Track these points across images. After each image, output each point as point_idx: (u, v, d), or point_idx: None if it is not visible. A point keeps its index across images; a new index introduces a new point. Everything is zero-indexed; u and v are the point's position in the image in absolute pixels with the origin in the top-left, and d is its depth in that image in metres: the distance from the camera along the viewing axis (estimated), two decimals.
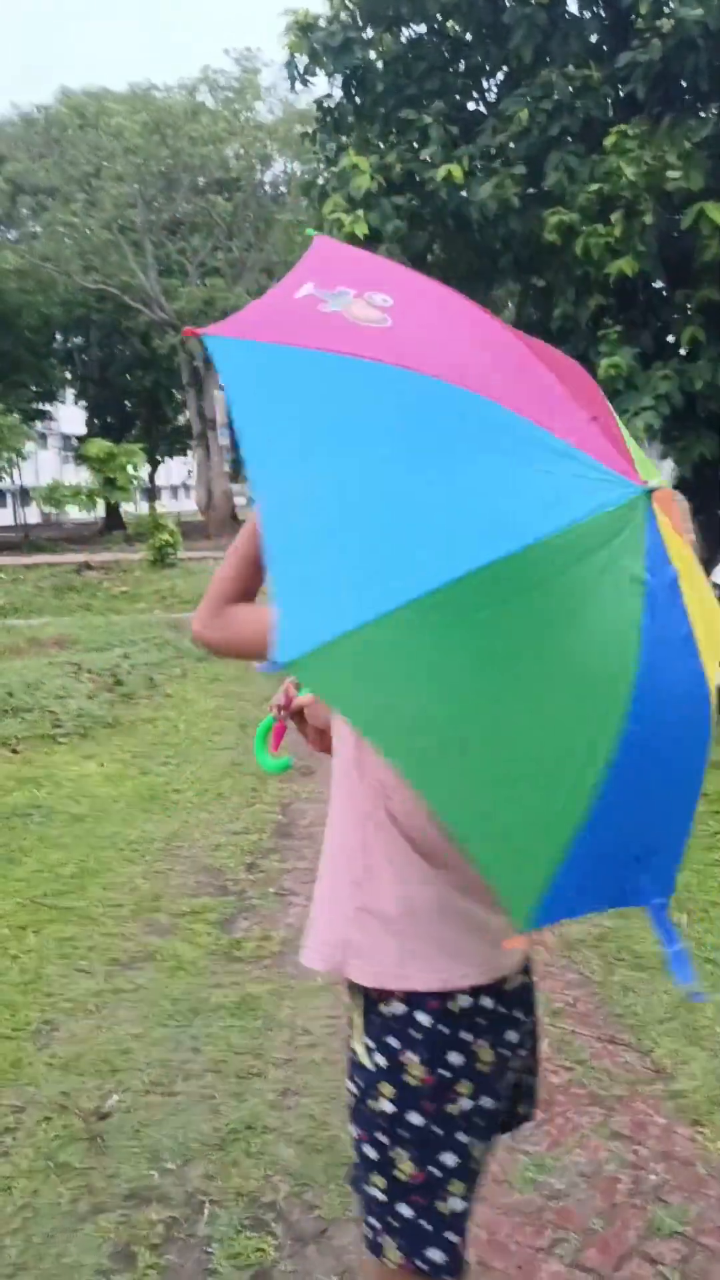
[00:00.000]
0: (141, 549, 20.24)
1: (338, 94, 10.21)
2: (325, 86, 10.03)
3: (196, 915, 4.33)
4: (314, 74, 9.89)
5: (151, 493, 42.98)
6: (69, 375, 39.74)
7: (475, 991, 1.51)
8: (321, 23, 9.58)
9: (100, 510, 34.29)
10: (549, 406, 1.30)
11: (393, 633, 1.10)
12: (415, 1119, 1.49)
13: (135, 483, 19.69)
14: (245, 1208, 2.57)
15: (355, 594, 1.12)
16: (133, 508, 36.18)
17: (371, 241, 9.54)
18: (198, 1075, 3.15)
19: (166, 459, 44.91)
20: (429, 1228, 1.51)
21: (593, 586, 1.19)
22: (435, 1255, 1.51)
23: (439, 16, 9.59)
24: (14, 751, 6.96)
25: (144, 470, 19.85)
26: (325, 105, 10.37)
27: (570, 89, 8.61)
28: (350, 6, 9.39)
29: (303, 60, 9.76)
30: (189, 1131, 2.87)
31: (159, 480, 47.46)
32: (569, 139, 8.80)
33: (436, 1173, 1.50)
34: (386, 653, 1.11)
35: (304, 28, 9.49)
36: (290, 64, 9.86)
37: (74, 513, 35.22)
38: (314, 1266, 2.38)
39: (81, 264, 30.37)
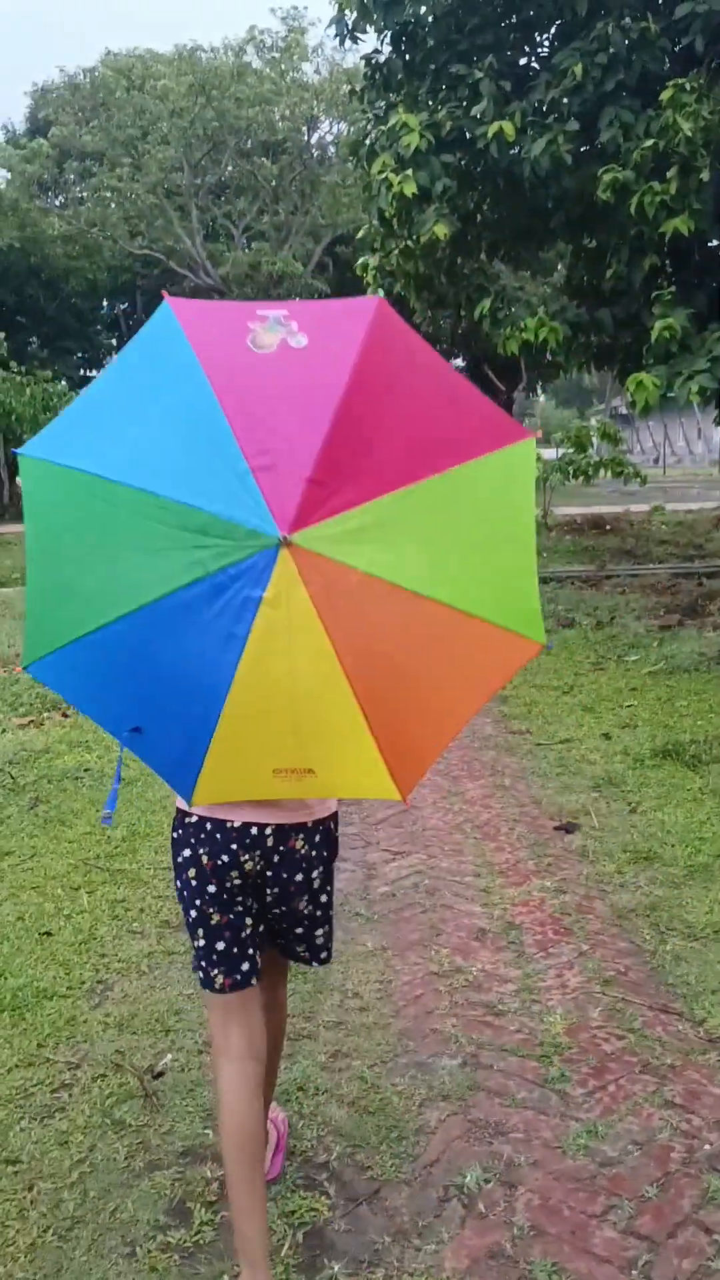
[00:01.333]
0: None
1: (387, 50, 10.06)
2: (374, 43, 9.82)
3: None
4: (364, 30, 9.74)
5: None
6: (115, 341, 39.82)
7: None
8: None
9: None
10: (262, 439, 1.83)
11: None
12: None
13: None
14: (298, 1167, 2.59)
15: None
16: None
17: (420, 200, 9.42)
18: None
19: None
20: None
21: (170, 544, 1.82)
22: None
23: None
24: (65, 715, 7.03)
25: None
26: (374, 62, 10.22)
27: (626, 42, 8.42)
28: None
29: (352, 16, 9.62)
30: None
31: None
32: (624, 94, 8.61)
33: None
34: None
35: None
36: (339, 19, 9.73)
37: None
38: (367, 1225, 2.40)
39: (127, 229, 30.33)
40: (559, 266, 21.06)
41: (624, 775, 5.47)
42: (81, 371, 37.52)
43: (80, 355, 36.70)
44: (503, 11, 9.82)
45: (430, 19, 9.57)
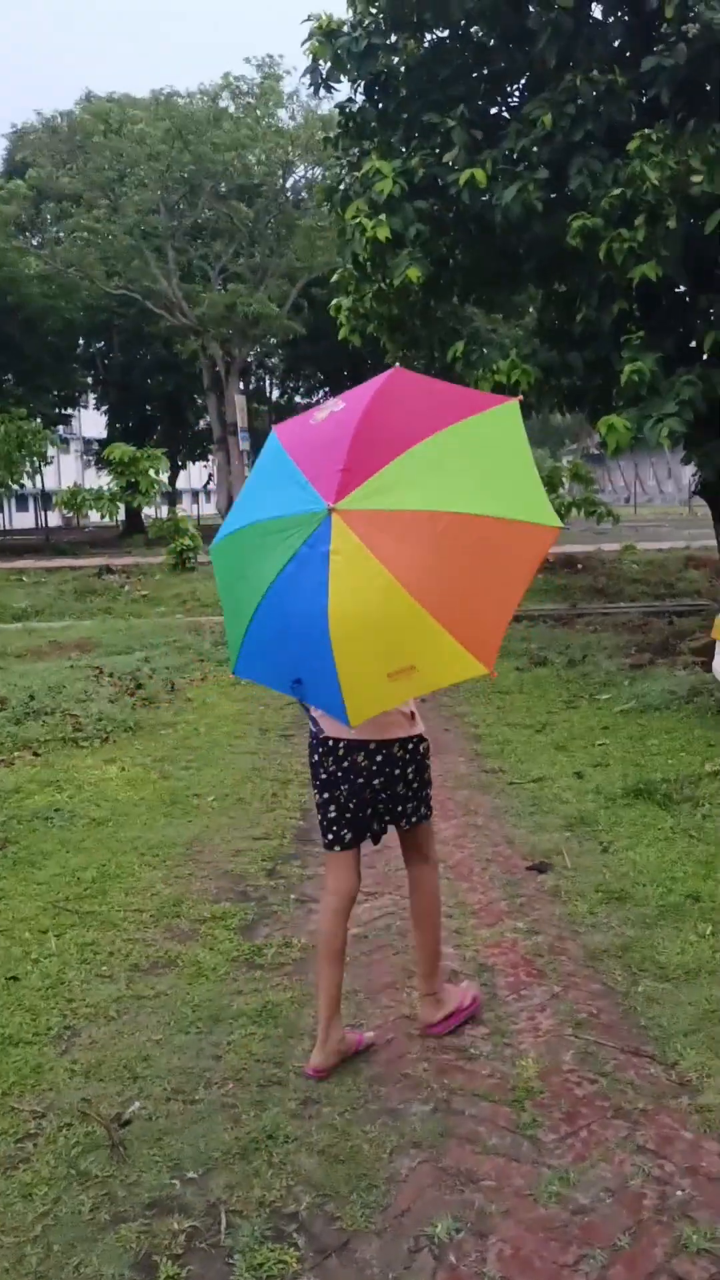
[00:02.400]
0: (162, 553, 20.29)
1: (360, 99, 10.21)
2: (347, 92, 9.96)
3: (217, 921, 4.31)
4: (337, 80, 9.90)
5: (172, 497, 43.11)
6: (90, 380, 39.90)
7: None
8: (345, 29, 9.58)
9: (121, 514, 34.41)
10: (316, 461, 2.74)
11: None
12: None
13: (156, 486, 19.70)
14: (267, 1218, 2.55)
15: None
16: (152, 511, 36.27)
17: (394, 245, 9.54)
18: (219, 1083, 3.13)
19: (187, 464, 45.05)
20: None
21: (271, 545, 2.75)
22: None
23: (463, 22, 9.58)
24: (35, 755, 6.98)
25: (164, 474, 19.90)
26: (348, 110, 10.37)
27: (594, 93, 8.60)
28: (374, 12, 9.38)
29: (326, 66, 9.77)
30: (210, 1140, 2.85)
31: (179, 485, 47.59)
32: (592, 143, 8.78)
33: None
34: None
35: (327, 33, 9.52)
36: (313, 69, 9.88)
37: (94, 517, 35.32)
38: (337, 1278, 2.36)
39: (104, 269, 30.46)
40: (530, 310, 21.40)
41: (596, 814, 5.48)
42: (57, 410, 37.55)
43: (56, 393, 36.71)
44: (474, 63, 10.03)
45: (403, 69, 9.75)
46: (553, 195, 9.19)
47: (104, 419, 41.42)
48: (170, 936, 4.19)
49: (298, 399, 42.35)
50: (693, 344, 9.50)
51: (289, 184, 32.32)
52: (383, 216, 9.38)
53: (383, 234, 9.37)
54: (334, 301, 11.49)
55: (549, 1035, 3.36)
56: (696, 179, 8.07)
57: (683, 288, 9.54)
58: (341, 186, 10.45)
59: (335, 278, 11.36)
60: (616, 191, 8.33)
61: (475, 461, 2.73)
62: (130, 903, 4.53)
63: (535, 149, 8.96)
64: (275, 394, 42.92)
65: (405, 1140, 2.84)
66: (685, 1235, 2.45)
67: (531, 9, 8.95)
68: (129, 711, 8.05)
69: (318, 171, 30.59)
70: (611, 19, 9.34)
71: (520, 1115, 2.94)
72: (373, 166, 9.32)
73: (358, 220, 9.56)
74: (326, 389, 40.85)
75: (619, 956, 3.90)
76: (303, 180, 32.44)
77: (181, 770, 6.66)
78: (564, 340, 10.83)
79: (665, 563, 18.54)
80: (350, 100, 10.42)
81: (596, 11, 9.24)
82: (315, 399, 42.09)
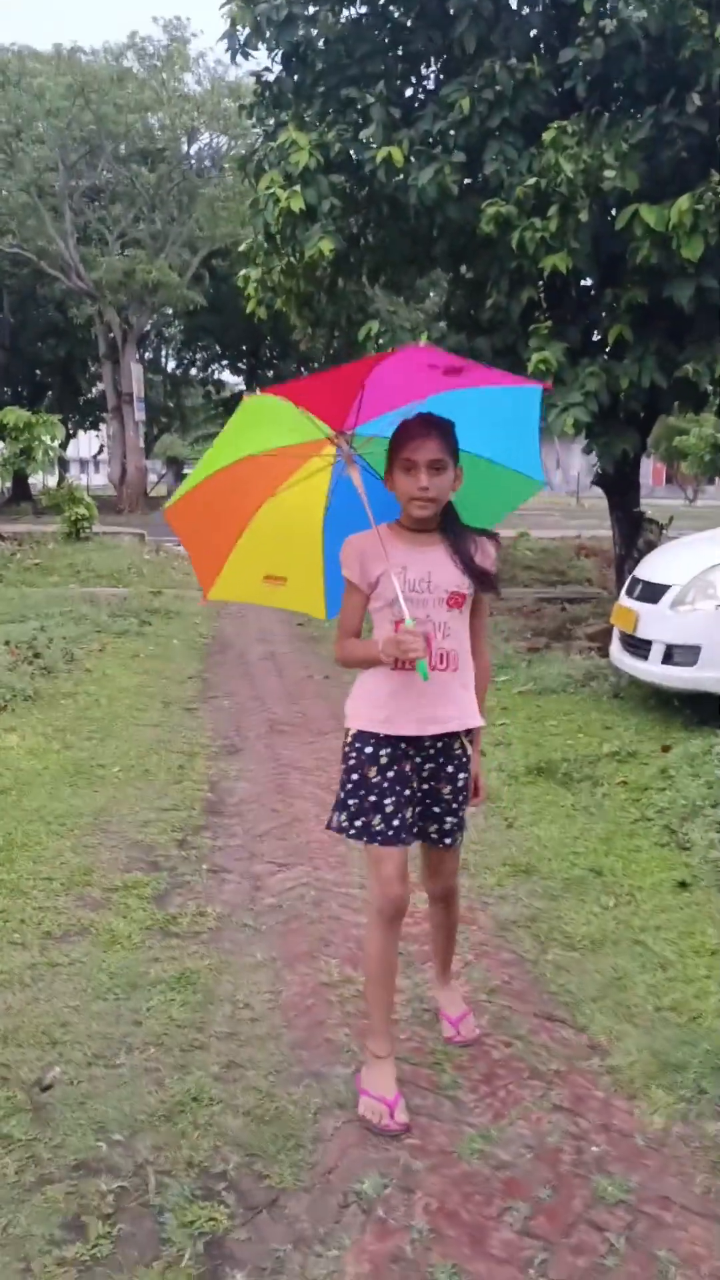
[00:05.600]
0: (53, 522, 19.84)
1: (278, 69, 10.11)
2: (264, 60, 9.92)
3: (129, 890, 4.29)
4: (255, 47, 9.77)
5: (63, 464, 42.14)
6: None
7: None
8: None
9: (8, 482, 33.47)
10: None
11: None
12: None
13: (50, 454, 19.27)
14: (195, 1178, 2.57)
15: None
16: (38, 480, 35.36)
17: (306, 217, 9.50)
18: (140, 1048, 3.13)
19: (78, 432, 44.08)
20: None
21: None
22: None
23: (382, 0, 9.54)
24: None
25: (58, 442, 19.48)
26: (264, 80, 10.26)
27: (511, 81, 8.65)
28: None
29: (244, 32, 9.64)
30: (134, 1103, 2.85)
31: (68, 454, 46.53)
32: (508, 131, 8.84)
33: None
34: None
35: (247, 1, 9.36)
36: (231, 35, 9.74)
37: None
38: (268, 1234, 2.40)
39: None
40: (431, 294, 21.50)
41: (500, 791, 5.61)
42: None
43: None
44: (391, 42, 10.02)
45: (322, 42, 9.68)
46: (467, 180, 9.26)
47: None
48: (82, 905, 4.15)
49: (194, 371, 41.78)
50: (597, 336, 9.69)
51: (193, 151, 31.79)
52: (297, 188, 9.32)
53: (296, 205, 9.30)
54: (242, 273, 11.36)
55: (464, 1001, 3.45)
56: (609, 174, 8.22)
57: (590, 280, 9.73)
58: (256, 156, 10.33)
59: (243, 248, 11.23)
60: (531, 181, 8.43)
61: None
62: (39, 870, 4.46)
63: (452, 132, 9.00)
64: (171, 365, 42.25)
65: (330, 1102, 2.89)
66: (602, 1187, 2.56)
67: None
68: (27, 680, 7.89)
69: (223, 140, 30.19)
70: (530, 9, 9.43)
71: (440, 1077, 3.02)
72: (289, 138, 9.24)
73: (271, 190, 9.48)
74: (224, 361, 40.44)
75: (527, 927, 4.02)
76: (207, 148, 31.95)
77: (84, 741, 6.57)
78: (471, 326, 10.95)
79: (557, 551, 18.94)
80: (266, 70, 10.31)
81: (515, 0, 9.31)
82: (212, 371, 41.63)
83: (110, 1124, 2.77)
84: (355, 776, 2.88)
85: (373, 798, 2.85)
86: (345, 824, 2.91)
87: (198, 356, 42.11)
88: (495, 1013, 3.39)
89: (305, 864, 4.65)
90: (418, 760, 2.90)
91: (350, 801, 2.89)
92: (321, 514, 3.10)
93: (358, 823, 2.88)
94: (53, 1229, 2.40)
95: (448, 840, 3.01)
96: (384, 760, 2.85)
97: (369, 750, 2.86)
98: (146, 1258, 2.32)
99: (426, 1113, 2.85)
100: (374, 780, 2.85)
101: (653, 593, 6.92)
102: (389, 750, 2.86)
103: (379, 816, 2.84)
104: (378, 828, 2.84)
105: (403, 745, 2.87)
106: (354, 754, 2.89)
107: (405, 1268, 2.30)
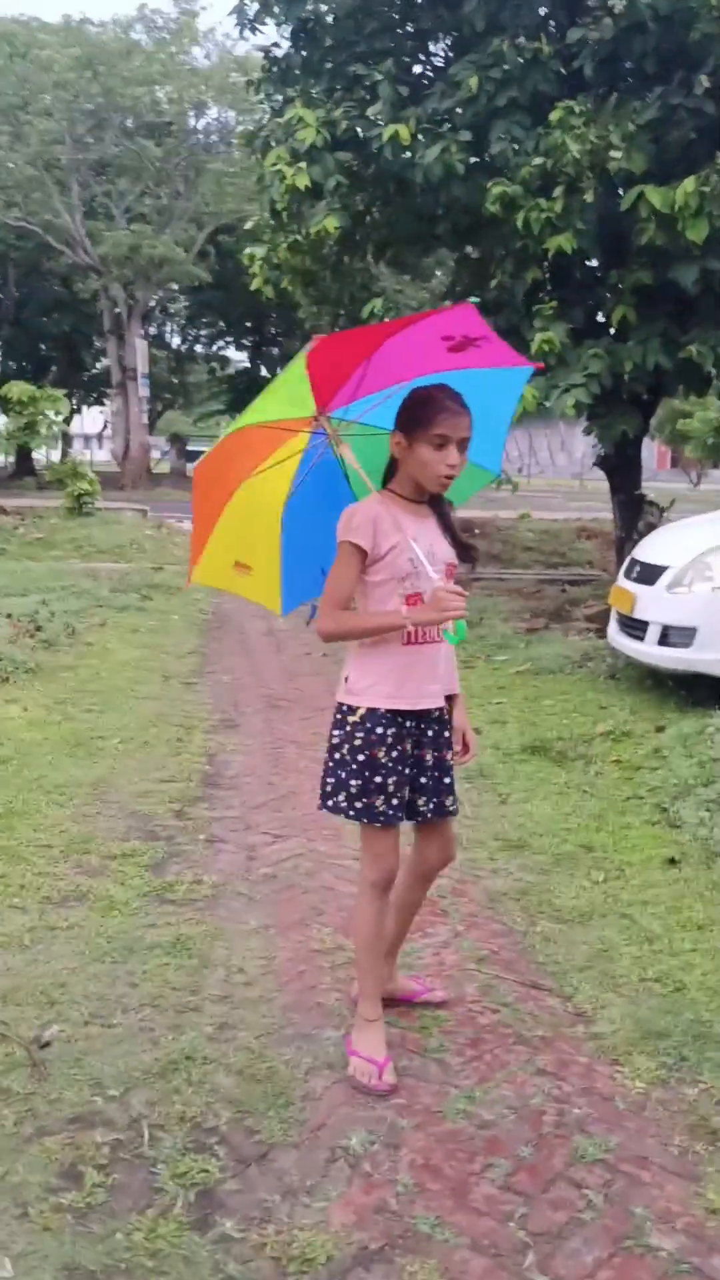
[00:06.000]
0: (56, 497, 19.88)
1: (286, 44, 10.09)
2: (271, 35, 9.92)
3: (127, 858, 4.36)
4: (263, 21, 9.75)
5: (66, 440, 42.12)
6: None
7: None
8: None
9: (11, 456, 33.47)
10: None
11: None
12: None
13: (54, 429, 19.28)
14: (188, 1132, 2.65)
15: None
16: (42, 455, 35.36)
17: (312, 195, 9.51)
18: (136, 1009, 3.21)
19: (82, 408, 44.01)
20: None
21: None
22: None
23: None
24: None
25: (62, 417, 19.52)
26: (272, 55, 10.24)
27: (520, 60, 8.65)
28: None
29: (253, 7, 9.61)
30: (130, 1061, 2.93)
31: (72, 429, 46.50)
32: (516, 110, 8.85)
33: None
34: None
35: None
36: (240, 9, 9.71)
37: None
38: (257, 1185, 2.48)
39: (3, 199, 29.42)
40: (437, 273, 21.42)
41: (494, 768, 5.68)
42: None
43: None
44: (400, 18, 10.00)
45: (330, 18, 9.66)
46: (474, 159, 9.26)
47: None
48: (80, 871, 4.23)
49: (198, 347, 41.66)
50: (601, 318, 9.71)
51: (200, 125, 31.64)
52: (303, 165, 9.33)
53: (302, 183, 9.33)
54: (247, 251, 11.38)
55: (453, 969, 3.53)
56: (615, 155, 8.23)
57: (595, 261, 9.73)
58: (263, 133, 10.32)
59: (249, 225, 11.26)
60: (537, 161, 8.45)
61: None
62: (38, 838, 4.54)
63: (459, 111, 9.01)
64: (177, 340, 42.13)
65: (320, 1062, 2.96)
66: (582, 1147, 2.63)
67: None
68: (29, 653, 7.95)
69: (231, 114, 30.01)
70: None
71: (428, 1041, 3.10)
72: (296, 114, 9.25)
73: (278, 167, 9.49)
74: (229, 338, 40.31)
75: (517, 900, 4.09)
76: (215, 123, 31.79)
77: (84, 713, 6.64)
78: (478, 303, 10.96)
79: (559, 532, 18.97)
80: (275, 45, 10.30)
81: None
82: (217, 348, 41.52)
83: (106, 1080, 2.85)
84: (362, 757, 2.83)
85: (378, 779, 2.83)
86: (345, 805, 2.87)
87: (202, 333, 42.01)
88: (483, 981, 3.46)
89: (300, 836, 4.72)
90: (415, 735, 2.91)
91: (353, 783, 2.84)
92: (283, 504, 3.08)
93: (359, 804, 2.85)
94: (49, 1178, 2.48)
95: (451, 808, 3.02)
96: (390, 739, 2.83)
97: (379, 730, 2.82)
98: (140, 1205, 2.40)
99: (413, 1074, 2.93)
100: (382, 761, 2.83)
101: (650, 574, 6.97)
102: (394, 729, 2.84)
103: (381, 798, 2.83)
104: (380, 809, 2.84)
105: (407, 723, 2.87)
106: (362, 734, 2.83)
107: (389, 1218, 2.38)
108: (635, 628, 6.98)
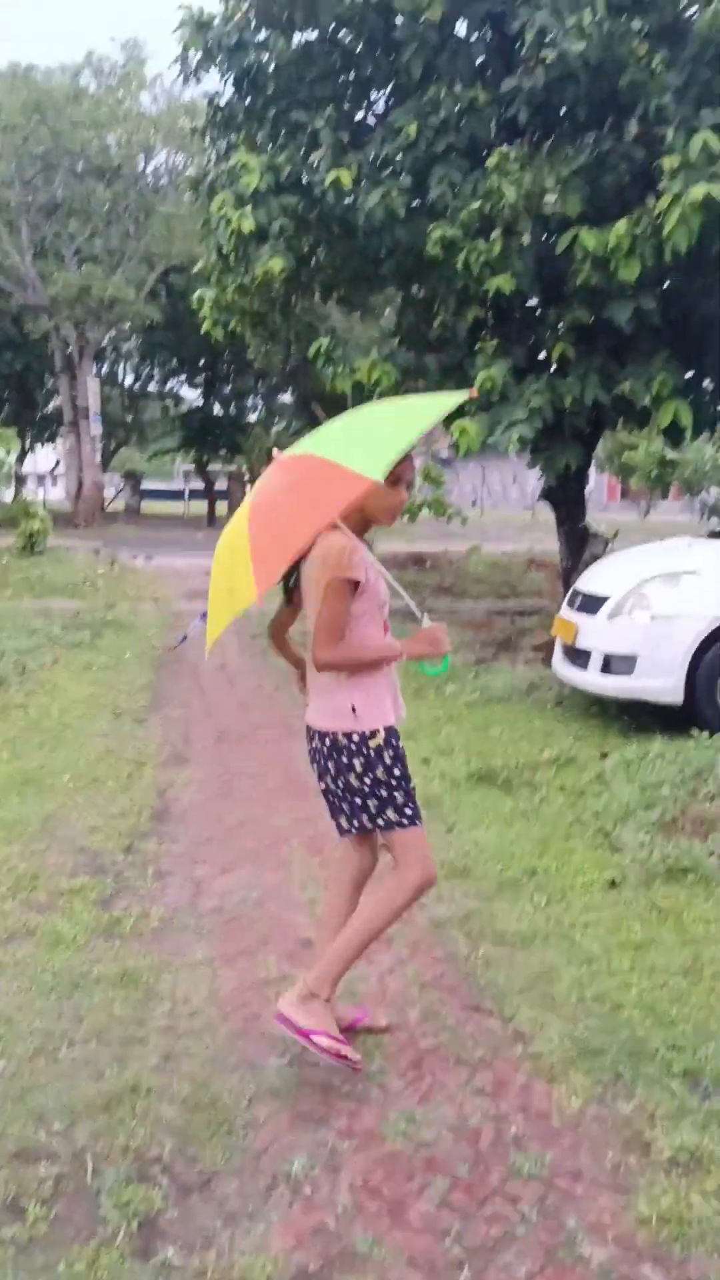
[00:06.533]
0: (9, 535, 19.83)
1: (229, 92, 10.30)
2: (216, 82, 10.10)
3: (75, 894, 4.38)
4: (207, 70, 9.95)
5: (19, 479, 41.95)
6: None
7: None
8: (216, 21, 9.64)
9: None
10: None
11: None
12: None
13: (5, 468, 19.28)
14: (131, 1163, 2.68)
15: None
16: None
17: (258, 238, 9.68)
18: (81, 1043, 3.24)
19: (34, 446, 43.90)
20: None
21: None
22: None
23: (332, 26, 9.75)
24: None
25: (13, 456, 19.49)
26: (216, 103, 10.44)
27: (456, 107, 8.88)
28: (245, 8, 9.48)
29: (196, 56, 9.81)
30: (74, 1094, 2.96)
31: (24, 468, 46.30)
32: (454, 155, 9.08)
33: None
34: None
35: (200, 25, 9.54)
36: (183, 59, 9.91)
37: None
38: (199, 1214, 2.52)
39: None
40: (387, 311, 21.77)
41: (442, 797, 5.76)
42: None
43: None
44: (340, 67, 10.24)
45: (272, 66, 9.88)
46: (414, 203, 9.48)
47: None
48: (28, 908, 4.25)
49: (151, 385, 41.74)
50: (542, 355, 9.94)
51: (149, 169, 31.93)
52: (248, 209, 9.51)
53: (247, 226, 9.51)
54: (197, 293, 11.52)
55: (397, 995, 3.59)
56: (550, 198, 8.48)
57: (534, 301, 9.97)
58: (208, 178, 10.51)
59: (198, 268, 11.41)
60: (475, 204, 8.67)
61: (365, 418, 3.07)
62: None
63: (399, 157, 9.24)
64: (129, 379, 42.20)
65: (263, 1090, 3.01)
66: (518, 1164, 2.70)
67: (399, 19, 9.20)
68: None
69: (179, 158, 30.33)
70: (475, 36, 9.68)
71: (369, 1065, 3.15)
72: (240, 160, 9.44)
73: (223, 212, 9.67)
74: (183, 376, 40.45)
75: (461, 925, 4.16)
76: (164, 166, 32.09)
77: (35, 750, 6.64)
78: (421, 344, 11.18)
79: (509, 564, 19.19)
80: (218, 93, 10.50)
81: (461, 28, 9.56)
82: (169, 386, 41.62)
83: (50, 1114, 2.88)
84: (399, 770, 3.09)
85: (410, 785, 3.13)
86: (395, 818, 3.09)
87: (155, 371, 42.10)
88: (426, 1006, 3.52)
89: (247, 868, 4.77)
90: None
91: (398, 795, 3.08)
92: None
93: (408, 810, 3.11)
94: None
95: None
96: (400, 749, 3.13)
97: (395, 743, 3.11)
98: (82, 1236, 2.43)
99: (355, 1097, 2.98)
100: (408, 768, 3.14)
101: (592, 604, 7.12)
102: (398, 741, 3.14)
103: (415, 801, 3.15)
104: (419, 810, 3.16)
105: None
106: (390, 750, 3.08)
107: (328, 1240, 2.43)
108: (578, 657, 7.12)
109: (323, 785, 3.21)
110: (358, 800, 3.10)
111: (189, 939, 4.02)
